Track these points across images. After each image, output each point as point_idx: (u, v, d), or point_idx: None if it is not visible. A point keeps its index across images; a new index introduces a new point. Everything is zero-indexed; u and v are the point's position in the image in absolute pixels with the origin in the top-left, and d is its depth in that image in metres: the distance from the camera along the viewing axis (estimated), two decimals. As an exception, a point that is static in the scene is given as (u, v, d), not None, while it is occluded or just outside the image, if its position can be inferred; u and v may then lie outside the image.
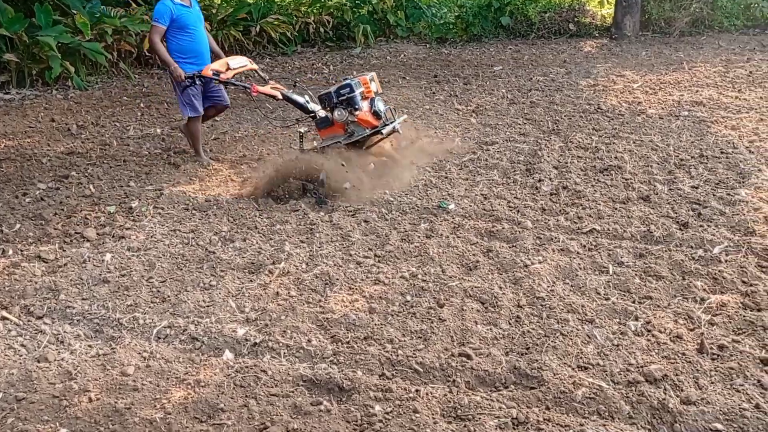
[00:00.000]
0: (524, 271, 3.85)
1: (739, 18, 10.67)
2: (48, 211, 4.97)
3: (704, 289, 3.55)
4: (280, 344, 3.28)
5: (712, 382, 2.83)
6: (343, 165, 5.04)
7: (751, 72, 8.06)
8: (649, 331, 3.23)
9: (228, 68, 5.39)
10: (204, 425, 2.75)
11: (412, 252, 4.16)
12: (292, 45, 11.28)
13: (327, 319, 3.45)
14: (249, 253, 4.23)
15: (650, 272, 3.76)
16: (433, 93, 8.35)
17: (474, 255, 4.09)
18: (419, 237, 4.35)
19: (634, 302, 3.50)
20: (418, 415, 2.69)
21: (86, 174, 5.80)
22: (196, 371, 3.09)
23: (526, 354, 3.11)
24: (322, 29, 11.55)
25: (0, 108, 8.07)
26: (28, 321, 3.58)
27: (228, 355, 3.21)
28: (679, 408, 2.66)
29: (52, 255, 4.30)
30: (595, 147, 5.86)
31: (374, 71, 5.97)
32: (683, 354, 3.02)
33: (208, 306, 3.65)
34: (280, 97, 5.39)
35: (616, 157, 5.56)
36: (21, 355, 3.27)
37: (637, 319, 3.33)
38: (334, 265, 4.03)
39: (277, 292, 3.77)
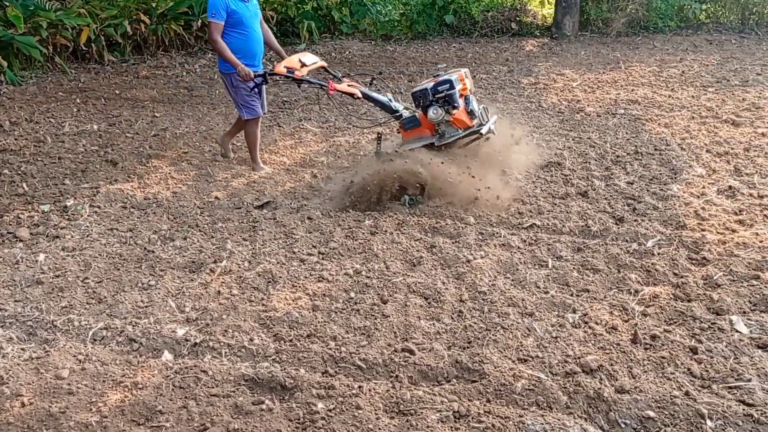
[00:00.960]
0: (467, 266, 3.90)
1: (673, 19, 11.06)
2: (-24, 211, 4.76)
3: (638, 282, 3.67)
4: (221, 344, 3.23)
5: (645, 371, 2.93)
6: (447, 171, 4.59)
7: (683, 72, 8.37)
8: (586, 323, 3.32)
9: (303, 65, 4.94)
10: (142, 428, 2.68)
11: (357, 249, 4.16)
12: (235, 40, 11.11)
13: (269, 317, 3.42)
14: (190, 252, 4.15)
15: (588, 266, 3.86)
16: (378, 90, 8.33)
17: (418, 251, 4.12)
18: (363, 234, 4.35)
19: (572, 295, 3.59)
20: (360, 411, 2.70)
21: (19, 172, 5.58)
22: (134, 373, 3.01)
23: (467, 348, 3.15)
24: (266, 25, 11.41)
25: (-76, 102, 7.67)
26: (-46, 325, 3.42)
27: (167, 356, 3.14)
28: (614, 397, 2.75)
29: (-19, 256, 4.12)
30: (536, 144, 5.97)
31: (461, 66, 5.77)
32: (618, 344, 3.12)
33: (146, 306, 3.56)
34: (360, 95, 4.94)
35: (556, 154, 5.69)
36: (-54, 362, 3.12)
37: (574, 311, 3.42)
38: (277, 263, 3.99)
39: (219, 291, 3.71)
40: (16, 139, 6.48)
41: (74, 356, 3.15)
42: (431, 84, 4.72)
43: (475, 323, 3.34)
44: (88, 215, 4.72)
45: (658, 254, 3.92)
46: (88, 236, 4.41)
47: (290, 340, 3.23)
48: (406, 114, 4.96)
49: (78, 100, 7.97)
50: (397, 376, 2.96)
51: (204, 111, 7.52)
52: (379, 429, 2.62)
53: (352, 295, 3.63)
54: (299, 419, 2.70)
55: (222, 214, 4.71)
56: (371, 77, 5.45)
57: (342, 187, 4.92)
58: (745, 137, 5.81)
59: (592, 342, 3.16)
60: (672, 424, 2.61)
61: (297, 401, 2.80)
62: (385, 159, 4.77)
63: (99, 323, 3.41)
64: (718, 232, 4.13)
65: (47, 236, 4.40)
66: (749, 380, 2.78)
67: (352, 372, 3.00)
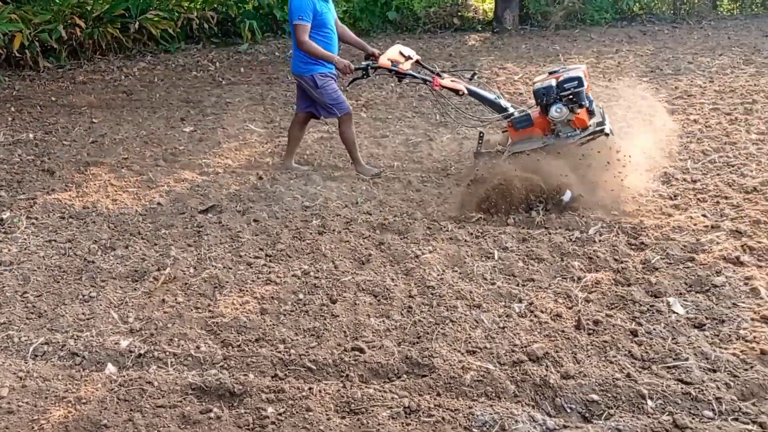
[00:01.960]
0: (415, 261, 3.92)
1: (608, 11, 11.35)
2: None
3: (581, 269, 3.76)
4: (167, 353, 3.17)
5: (589, 356, 3.01)
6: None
7: (619, 63, 8.60)
8: (532, 311, 3.38)
9: (407, 58, 4.73)
10: (86, 444, 2.61)
11: (305, 249, 4.14)
12: (175, 42, 10.88)
13: (216, 323, 3.37)
14: (132, 261, 4.06)
15: (532, 255, 3.93)
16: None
17: (366, 249, 4.12)
18: (311, 234, 4.33)
19: (518, 285, 3.65)
20: (311, 413, 2.69)
21: (-52, 185, 5.36)
22: (77, 388, 2.93)
23: (417, 343, 3.17)
24: (206, 25, 11.20)
25: None
26: None
27: (111, 368, 3.07)
28: (560, 383, 2.81)
29: None
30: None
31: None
32: (563, 331, 3.19)
33: (88, 319, 3.47)
34: (465, 91, 4.69)
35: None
36: None
37: (520, 301, 3.48)
38: (224, 267, 3.94)
39: (163, 299, 3.64)
40: (-55, 151, 6.22)
41: (14, 374, 3.05)
42: (553, 81, 4.42)
43: (424, 318, 3.36)
44: (25, 227, 4.56)
45: (599, 241, 4.02)
46: (25, 249, 4.26)
47: (238, 346, 3.20)
48: (515, 112, 4.67)
49: (12, 109, 7.69)
50: (347, 375, 2.96)
51: (144, 115, 7.36)
52: (330, 430, 2.62)
53: (301, 296, 3.62)
54: (249, 425, 2.67)
55: (165, 220, 4.62)
56: (472, 72, 5.18)
57: (463, 193, 4.58)
58: (678, 124, 6.00)
59: (538, 330, 3.22)
60: (615, 405, 2.69)
61: (246, 407, 2.77)
62: (486, 160, 4.56)
63: (39, 338, 3.31)
64: (655, 217, 4.27)
65: (-19, 251, 4.24)
66: (686, 359, 2.88)
67: (302, 374, 2.99)
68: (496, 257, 3.95)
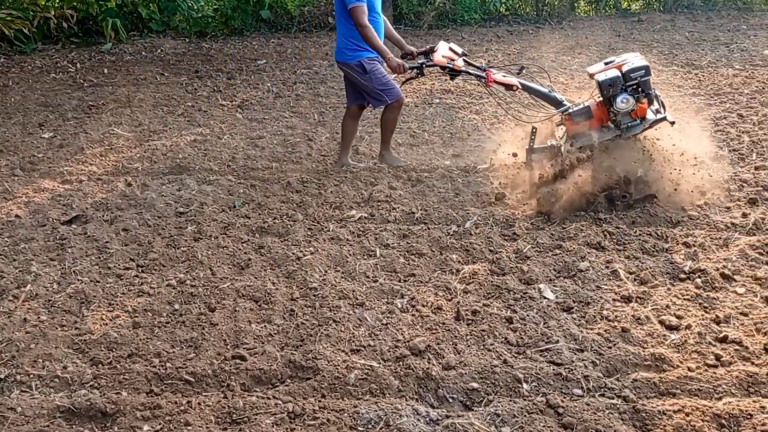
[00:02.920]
0: (297, 263, 3.87)
1: (477, 12, 11.79)
2: None
3: (459, 261, 3.87)
4: (31, 376, 2.93)
5: (468, 346, 3.10)
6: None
7: (489, 61, 8.95)
8: (413, 306, 3.44)
9: (459, 55, 4.55)
10: (-66, 487, 2.36)
11: (179, 257, 3.97)
12: (31, 42, 10.10)
13: (84, 341, 3.16)
14: (-14, 280, 3.71)
15: (413, 251, 4.00)
16: (195, 89, 8.04)
17: (246, 253, 4.02)
18: (186, 241, 4.16)
19: (399, 281, 3.69)
20: (190, 427, 2.58)
21: None
22: None
23: (301, 346, 3.13)
24: (65, 24, 10.47)
25: None
26: None
27: (-37, 399, 2.79)
28: (441, 374, 2.87)
29: None
30: (360, 136, 6.07)
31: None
32: (443, 323, 3.27)
33: (-66, 347, 3.13)
34: (519, 86, 4.52)
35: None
36: None
37: (402, 296, 3.53)
38: (91, 281, 3.69)
39: (25, 319, 3.36)
40: None
41: None
42: (616, 71, 4.20)
43: (307, 320, 3.32)
44: None
45: (475, 234, 4.16)
46: None
47: (109, 363, 3.01)
48: (575, 106, 4.44)
49: None
50: (228, 385, 2.87)
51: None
52: (212, 443, 2.52)
53: (177, 306, 3.46)
54: (123, 446, 2.52)
55: (24, 234, 4.27)
56: (520, 66, 4.97)
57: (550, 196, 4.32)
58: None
59: (420, 324, 3.28)
60: (494, 392, 2.78)
61: (120, 426, 2.62)
62: (537, 157, 4.48)
63: None
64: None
65: None
66: (557, 342, 3.04)
67: (180, 388, 2.86)
68: (377, 255, 3.97)
